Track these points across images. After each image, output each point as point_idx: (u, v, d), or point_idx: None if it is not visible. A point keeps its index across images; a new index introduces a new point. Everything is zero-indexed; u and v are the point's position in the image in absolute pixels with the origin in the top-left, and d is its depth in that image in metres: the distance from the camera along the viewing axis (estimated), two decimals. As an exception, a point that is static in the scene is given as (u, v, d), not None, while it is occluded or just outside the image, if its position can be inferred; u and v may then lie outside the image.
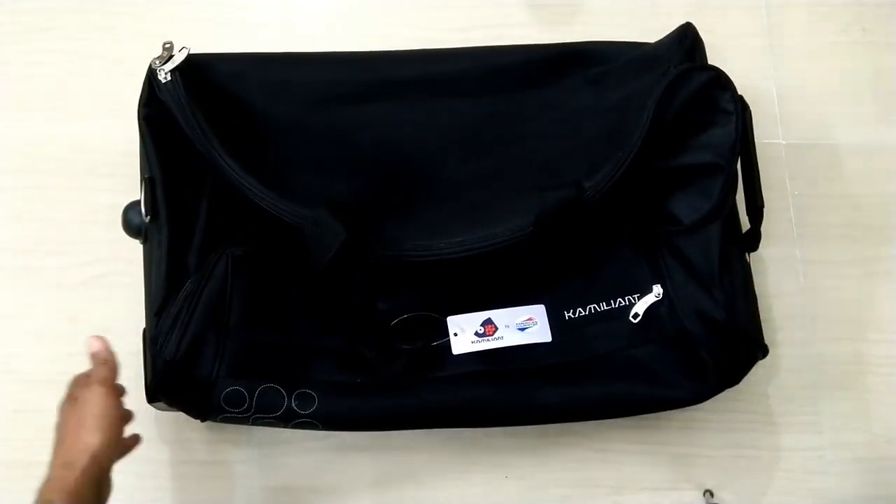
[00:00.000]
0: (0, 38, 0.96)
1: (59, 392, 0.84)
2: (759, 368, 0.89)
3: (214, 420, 0.74)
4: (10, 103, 0.94)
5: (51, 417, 0.83)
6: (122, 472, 0.65)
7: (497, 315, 0.77)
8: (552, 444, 0.86)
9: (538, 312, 0.77)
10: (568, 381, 0.77)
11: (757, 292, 0.81)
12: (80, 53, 0.96)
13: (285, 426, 0.75)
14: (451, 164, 0.81)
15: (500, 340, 0.76)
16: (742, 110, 0.75)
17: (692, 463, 0.87)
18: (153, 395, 0.74)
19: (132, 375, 0.74)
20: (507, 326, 0.77)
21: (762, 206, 0.79)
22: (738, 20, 1.01)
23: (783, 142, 0.97)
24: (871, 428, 0.89)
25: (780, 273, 0.92)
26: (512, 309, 0.77)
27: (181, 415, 0.76)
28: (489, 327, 0.76)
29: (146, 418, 0.85)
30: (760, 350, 0.79)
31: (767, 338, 0.81)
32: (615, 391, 0.77)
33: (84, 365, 0.68)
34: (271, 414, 0.73)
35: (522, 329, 0.77)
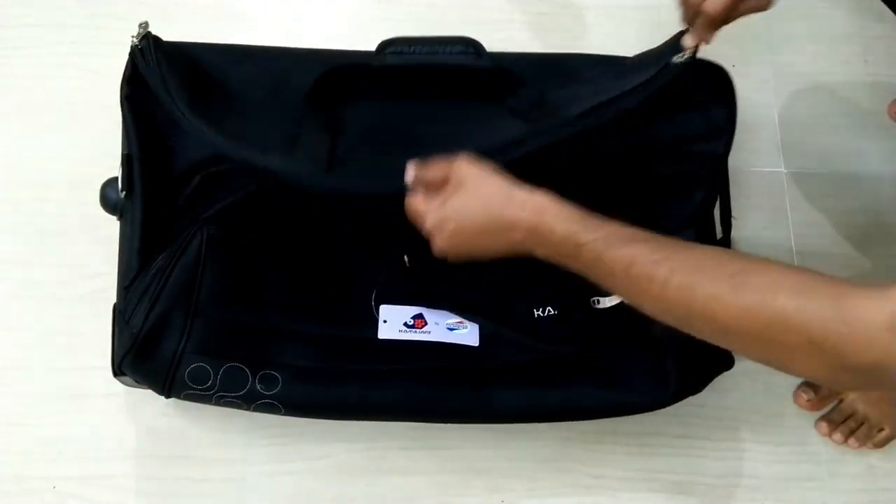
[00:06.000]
0: (9, 52, 0.97)
1: (56, 406, 0.84)
2: (759, 398, 0.89)
3: (178, 397, 0.74)
4: (16, 116, 0.95)
5: (47, 431, 0.83)
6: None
7: (429, 312, 0.78)
8: (549, 468, 0.86)
9: (471, 324, 0.78)
10: (530, 382, 0.77)
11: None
12: (88, 68, 0.96)
13: (248, 407, 0.75)
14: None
15: (427, 334, 0.77)
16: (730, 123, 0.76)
17: (689, 491, 0.86)
18: (118, 369, 0.74)
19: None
20: (436, 324, 0.78)
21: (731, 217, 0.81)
22: (742, 49, 1.02)
23: (785, 170, 0.98)
24: (870, 458, 0.88)
25: (780, 302, 0.92)
26: (445, 311, 0.78)
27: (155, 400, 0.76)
28: (419, 321, 0.78)
29: (147, 427, 0.85)
30: (725, 361, 0.79)
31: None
32: (576, 393, 0.77)
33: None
34: (234, 393, 0.73)
35: (452, 329, 0.78)
